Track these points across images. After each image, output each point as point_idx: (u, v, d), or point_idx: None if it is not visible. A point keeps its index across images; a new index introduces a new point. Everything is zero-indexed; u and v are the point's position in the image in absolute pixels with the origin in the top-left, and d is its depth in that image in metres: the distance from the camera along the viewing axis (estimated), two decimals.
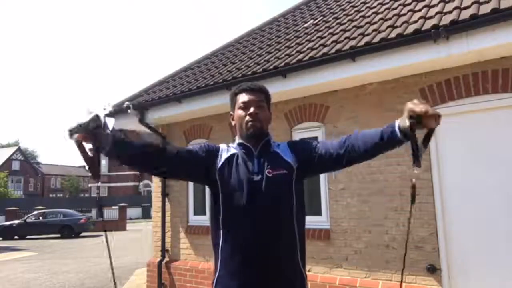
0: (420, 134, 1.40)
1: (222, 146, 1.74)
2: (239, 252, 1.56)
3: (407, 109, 1.37)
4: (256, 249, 1.55)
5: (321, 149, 1.64)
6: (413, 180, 1.43)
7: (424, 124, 1.35)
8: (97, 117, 1.34)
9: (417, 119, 1.35)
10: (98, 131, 1.34)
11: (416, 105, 1.35)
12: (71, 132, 1.32)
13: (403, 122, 1.39)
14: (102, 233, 1.67)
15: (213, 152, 1.69)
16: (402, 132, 1.40)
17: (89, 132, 1.32)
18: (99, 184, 1.44)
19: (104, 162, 42.81)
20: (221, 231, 1.61)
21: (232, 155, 1.68)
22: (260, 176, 1.61)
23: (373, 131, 1.52)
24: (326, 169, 1.74)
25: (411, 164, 1.40)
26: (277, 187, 1.60)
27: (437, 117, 1.33)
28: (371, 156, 1.59)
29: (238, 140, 1.74)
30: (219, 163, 1.65)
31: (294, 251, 1.62)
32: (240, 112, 1.70)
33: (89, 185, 44.58)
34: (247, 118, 1.67)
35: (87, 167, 1.38)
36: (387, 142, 1.46)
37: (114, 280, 1.79)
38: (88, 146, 1.36)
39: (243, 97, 1.71)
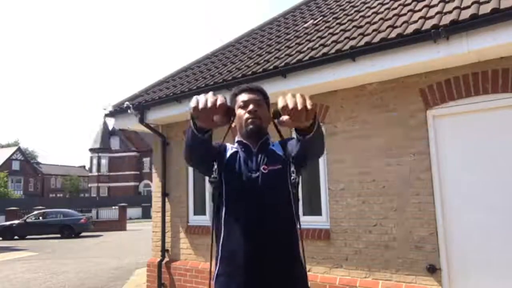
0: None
1: (227, 144, 1.79)
2: (239, 249, 1.58)
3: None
4: (255, 247, 1.57)
5: (293, 145, 1.64)
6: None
7: (281, 121, 1.29)
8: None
9: (275, 115, 1.32)
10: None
11: (282, 100, 1.27)
12: (208, 112, 1.32)
13: None
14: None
15: (222, 148, 1.74)
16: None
17: (223, 116, 1.38)
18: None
19: (104, 162, 42.90)
20: (222, 227, 1.64)
21: (235, 152, 1.73)
22: (258, 173, 1.65)
23: None
24: (301, 164, 1.68)
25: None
26: (273, 183, 1.63)
27: (303, 111, 1.24)
28: (309, 150, 1.53)
29: (237, 139, 1.78)
30: (225, 160, 1.70)
31: (295, 246, 1.65)
32: (240, 111, 1.74)
33: (89, 185, 44.55)
34: (247, 115, 1.70)
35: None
36: (299, 139, 1.45)
37: None
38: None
39: (243, 97, 1.75)
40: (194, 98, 1.35)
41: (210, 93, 1.36)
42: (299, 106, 1.24)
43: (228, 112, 1.40)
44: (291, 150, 1.65)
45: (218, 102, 1.32)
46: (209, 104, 1.31)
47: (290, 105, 1.23)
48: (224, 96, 1.37)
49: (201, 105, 1.32)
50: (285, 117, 1.26)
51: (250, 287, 1.56)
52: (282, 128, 1.55)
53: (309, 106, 1.25)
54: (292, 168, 1.65)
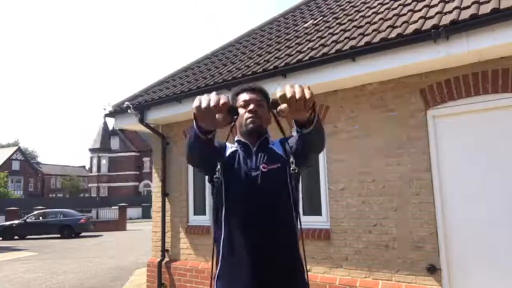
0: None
1: (227, 143, 1.78)
2: (240, 248, 1.58)
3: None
4: (255, 246, 1.57)
5: (292, 144, 1.64)
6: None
7: (280, 110, 1.28)
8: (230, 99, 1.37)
9: (272, 105, 1.32)
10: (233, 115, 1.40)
11: (280, 89, 1.27)
12: (211, 110, 1.31)
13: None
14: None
15: (222, 148, 1.73)
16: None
17: (226, 115, 1.35)
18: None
19: (104, 162, 42.90)
20: (222, 227, 1.63)
21: (234, 151, 1.73)
22: (257, 172, 1.64)
23: None
24: (302, 162, 1.67)
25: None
26: (272, 182, 1.63)
27: (302, 101, 1.23)
28: (309, 145, 1.53)
29: (237, 138, 1.79)
30: (224, 160, 1.69)
31: (294, 245, 1.65)
32: (240, 110, 1.73)
33: (89, 185, 44.55)
34: (247, 115, 1.71)
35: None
36: (299, 133, 1.45)
37: None
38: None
39: (243, 96, 1.76)
40: (197, 99, 1.34)
41: (213, 93, 1.35)
42: (298, 95, 1.23)
43: (231, 111, 1.38)
44: (291, 147, 1.64)
45: (221, 101, 1.31)
46: (212, 104, 1.31)
47: (288, 94, 1.23)
48: (227, 96, 1.37)
49: (204, 105, 1.31)
50: (283, 106, 1.25)
51: (250, 286, 1.56)
52: (282, 121, 1.54)
53: (307, 95, 1.24)
54: (293, 166, 1.62)
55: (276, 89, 1.30)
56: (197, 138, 1.45)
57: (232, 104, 1.37)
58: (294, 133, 1.53)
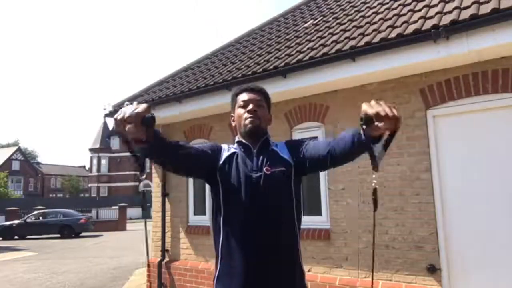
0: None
1: (224, 145, 1.77)
2: (240, 251, 1.57)
3: (361, 111, 1.30)
4: (256, 248, 1.56)
5: (310, 149, 1.64)
6: (373, 184, 1.38)
7: (374, 128, 1.27)
8: (149, 108, 1.27)
9: (367, 121, 1.28)
10: (151, 123, 1.28)
11: (369, 106, 1.28)
12: (123, 121, 1.23)
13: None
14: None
15: (216, 151, 1.71)
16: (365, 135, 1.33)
17: (143, 123, 1.25)
18: (145, 181, 1.33)
19: (104, 162, 42.90)
20: (221, 229, 1.63)
21: (232, 153, 1.70)
22: (259, 173, 1.62)
23: (350, 132, 1.46)
24: (316, 169, 1.71)
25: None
26: (276, 184, 1.62)
27: (392, 120, 1.25)
28: (351, 159, 1.53)
29: (237, 139, 1.77)
30: (220, 162, 1.67)
31: (294, 248, 1.65)
32: (240, 111, 1.73)
33: (89, 185, 44.54)
34: (246, 115, 1.70)
35: (134, 160, 1.31)
36: (358, 147, 1.39)
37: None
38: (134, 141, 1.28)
39: (243, 96, 1.75)
40: (121, 109, 1.28)
41: (135, 103, 1.28)
42: (390, 113, 1.25)
43: (144, 122, 1.25)
44: (313, 153, 1.61)
45: (135, 111, 1.24)
46: (126, 115, 1.24)
47: (383, 113, 1.25)
48: (149, 106, 1.28)
49: (119, 116, 1.26)
50: (380, 124, 1.26)
51: (254, 287, 1.55)
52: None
53: (396, 113, 1.27)
54: (301, 171, 1.65)
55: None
56: (129, 151, 1.34)
57: (147, 115, 1.25)
58: (304, 140, 1.54)
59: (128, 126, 1.24)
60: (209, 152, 1.66)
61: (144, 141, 1.28)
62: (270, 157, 1.67)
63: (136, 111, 1.24)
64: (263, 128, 1.72)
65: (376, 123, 1.26)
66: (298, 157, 1.66)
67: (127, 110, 1.25)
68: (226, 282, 1.60)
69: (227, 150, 1.73)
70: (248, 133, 1.70)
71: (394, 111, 1.26)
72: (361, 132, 1.34)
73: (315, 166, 1.64)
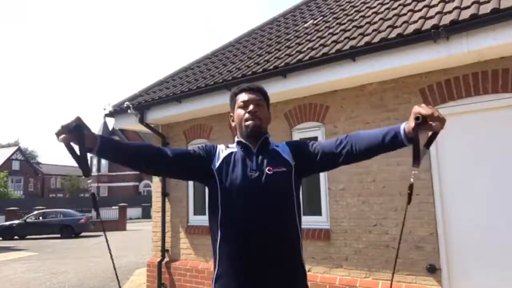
0: (423, 137, 1.43)
1: (220, 146, 1.76)
2: (238, 251, 1.56)
3: (414, 111, 1.39)
4: (255, 248, 1.55)
5: (318, 148, 1.65)
6: (412, 179, 1.45)
7: (428, 126, 1.37)
8: (78, 118, 1.43)
9: (422, 121, 1.37)
10: (79, 130, 1.41)
11: (423, 108, 1.37)
12: (58, 134, 1.41)
13: (408, 124, 1.42)
14: (102, 233, 1.69)
15: (211, 152, 1.71)
16: (406, 135, 1.42)
17: (71, 131, 1.40)
18: (94, 185, 1.50)
19: (104, 162, 42.86)
20: (219, 229, 1.62)
21: (230, 153, 1.70)
22: (258, 173, 1.62)
23: (374, 132, 1.54)
24: (324, 168, 1.78)
25: (411, 164, 1.41)
26: (277, 185, 1.62)
27: (442, 121, 1.36)
28: (369, 157, 1.62)
29: (237, 139, 1.76)
30: (217, 162, 1.67)
31: (295, 248, 1.64)
32: (239, 111, 1.73)
33: (89, 185, 44.54)
34: (246, 116, 1.69)
35: (77, 165, 1.46)
36: (388, 144, 1.48)
37: (117, 278, 1.85)
38: (76, 146, 1.45)
39: (242, 97, 1.74)
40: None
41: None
42: (440, 115, 1.35)
43: (71, 129, 1.41)
44: (321, 152, 1.64)
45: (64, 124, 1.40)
46: (59, 128, 1.40)
47: (436, 114, 1.34)
48: (77, 117, 1.44)
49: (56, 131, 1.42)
50: (435, 123, 1.36)
51: (255, 286, 1.55)
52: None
53: (443, 116, 1.37)
54: (303, 172, 1.69)
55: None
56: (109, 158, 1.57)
57: (69, 126, 1.41)
58: (309, 141, 1.60)
59: (60, 137, 1.41)
60: (200, 155, 1.68)
61: (87, 147, 1.45)
62: (272, 157, 1.67)
63: (63, 124, 1.41)
64: (263, 128, 1.72)
65: (430, 123, 1.36)
66: (303, 157, 1.67)
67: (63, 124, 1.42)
68: (225, 282, 1.59)
69: (223, 150, 1.73)
70: (249, 134, 1.69)
71: (441, 113, 1.37)
72: (402, 132, 1.43)
73: (323, 165, 1.68)
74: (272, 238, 1.56)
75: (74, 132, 1.41)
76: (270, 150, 1.71)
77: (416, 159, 1.41)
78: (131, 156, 1.57)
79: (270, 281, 1.55)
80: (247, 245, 1.55)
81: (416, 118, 1.38)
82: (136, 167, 1.68)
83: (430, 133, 1.41)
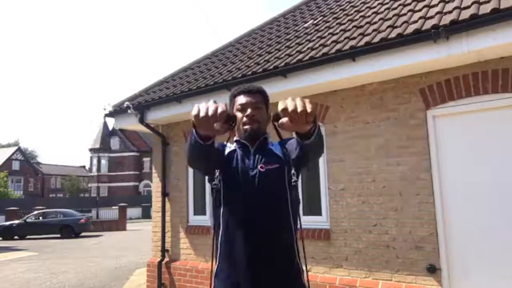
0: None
1: (226, 143, 1.80)
2: (238, 247, 1.59)
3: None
4: (253, 244, 1.58)
5: (295, 146, 1.65)
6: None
7: (281, 124, 1.30)
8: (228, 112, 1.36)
9: (274, 117, 1.32)
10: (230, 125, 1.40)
11: (282, 103, 1.27)
12: (213, 116, 1.31)
13: None
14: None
15: (222, 148, 1.76)
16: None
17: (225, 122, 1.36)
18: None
19: (104, 162, 42.88)
20: (220, 225, 1.65)
21: (232, 151, 1.74)
22: (255, 171, 1.66)
23: None
24: (302, 163, 1.71)
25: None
26: (270, 182, 1.64)
27: (299, 114, 1.23)
28: (310, 153, 1.58)
29: (236, 138, 1.80)
30: (223, 159, 1.71)
31: (288, 247, 1.66)
32: (238, 114, 1.75)
33: (89, 185, 44.53)
34: (244, 119, 1.72)
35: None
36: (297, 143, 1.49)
37: None
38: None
39: (241, 99, 1.76)
40: (196, 107, 1.34)
41: (211, 102, 1.35)
42: (299, 109, 1.24)
43: (228, 119, 1.38)
44: (291, 150, 1.68)
45: (219, 110, 1.31)
46: (210, 112, 1.30)
47: (290, 108, 1.23)
48: (226, 103, 1.37)
49: (202, 113, 1.31)
50: (285, 119, 1.27)
51: (248, 285, 1.57)
52: (283, 131, 1.54)
53: (308, 109, 1.25)
54: (293, 170, 1.67)
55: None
56: (196, 145, 1.45)
57: (229, 113, 1.37)
58: (294, 136, 1.55)
59: (215, 124, 1.33)
60: (220, 149, 1.73)
61: (212, 136, 1.41)
62: (266, 155, 1.71)
63: (220, 110, 1.31)
64: (262, 131, 1.75)
65: (281, 120, 1.29)
66: (290, 153, 1.70)
67: (210, 108, 1.32)
68: (224, 277, 1.63)
69: (228, 146, 1.78)
70: (247, 137, 1.73)
71: (307, 105, 1.25)
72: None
73: (300, 161, 1.67)
74: (265, 237, 1.59)
75: (229, 121, 1.38)
76: (267, 149, 1.75)
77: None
78: (213, 153, 1.57)
79: (264, 279, 1.57)
80: (245, 242, 1.58)
81: (274, 116, 1.32)
82: (198, 162, 1.67)
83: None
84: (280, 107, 1.26)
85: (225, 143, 1.79)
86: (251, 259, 1.57)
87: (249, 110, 1.71)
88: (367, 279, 4.02)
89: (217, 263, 1.66)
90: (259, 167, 1.66)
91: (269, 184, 1.64)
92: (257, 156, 1.70)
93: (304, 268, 1.70)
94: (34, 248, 14.41)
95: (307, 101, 1.27)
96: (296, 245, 1.68)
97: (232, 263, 1.60)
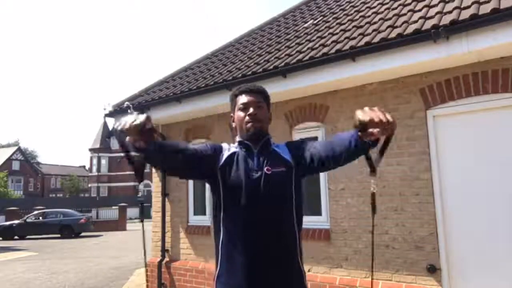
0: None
1: (224, 145, 1.77)
2: (240, 250, 1.58)
3: (355, 117, 1.32)
4: (256, 247, 1.56)
5: (311, 150, 1.63)
6: (372, 188, 1.39)
7: (371, 133, 1.29)
8: (148, 118, 1.33)
9: (362, 127, 1.29)
10: (150, 134, 1.35)
11: (364, 112, 1.29)
12: (122, 131, 1.31)
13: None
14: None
15: (218, 151, 1.71)
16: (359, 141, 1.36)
17: (142, 133, 1.31)
18: (141, 187, 1.39)
19: (104, 162, 42.89)
20: (221, 228, 1.64)
21: (233, 153, 1.71)
22: (259, 173, 1.63)
23: (344, 136, 1.46)
24: (316, 170, 1.70)
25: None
26: (276, 185, 1.62)
27: (386, 125, 1.27)
28: (349, 161, 1.52)
29: (238, 139, 1.77)
30: (221, 162, 1.68)
31: (293, 248, 1.65)
32: (240, 114, 1.74)
33: (89, 185, 44.53)
34: (247, 118, 1.71)
35: (134, 172, 1.38)
36: (354, 150, 1.41)
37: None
38: (134, 148, 1.35)
39: (242, 99, 1.75)
40: (120, 120, 1.35)
41: (128, 116, 1.35)
42: (384, 119, 1.27)
43: (143, 132, 1.32)
44: (300, 155, 1.64)
45: (126, 126, 1.31)
46: (119, 128, 1.33)
47: (377, 119, 1.27)
48: (147, 116, 1.34)
49: (119, 127, 1.33)
50: (376, 130, 1.28)
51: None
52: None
53: (390, 119, 1.28)
54: (300, 174, 1.66)
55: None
56: (139, 153, 1.41)
57: (144, 127, 1.31)
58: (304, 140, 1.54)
59: (127, 137, 1.33)
60: (210, 153, 1.67)
61: (141, 148, 1.35)
62: (271, 157, 1.68)
63: (134, 123, 1.30)
64: (264, 130, 1.73)
65: (370, 130, 1.28)
66: (299, 157, 1.66)
67: (128, 121, 1.32)
68: (226, 281, 1.61)
69: (227, 149, 1.73)
70: (250, 137, 1.71)
71: (388, 116, 1.28)
72: (357, 137, 1.36)
73: (316, 167, 1.64)
74: (269, 239, 1.57)
75: (145, 136, 1.31)
76: (271, 150, 1.72)
77: (370, 167, 1.34)
78: (170, 161, 1.53)
79: (268, 281, 1.56)
80: (246, 244, 1.57)
81: (354, 126, 1.30)
82: (166, 171, 1.67)
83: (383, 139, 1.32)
84: (365, 118, 1.27)
85: (223, 145, 1.75)
86: (253, 262, 1.55)
87: (251, 109, 1.70)
88: (367, 279, 4.02)
89: (218, 266, 1.65)
90: (264, 169, 1.63)
91: (275, 187, 1.61)
92: (261, 158, 1.67)
93: (305, 270, 1.70)
94: (34, 248, 14.42)
95: (385, 112, 1.31)
96: (298, 249, 1.67)
97: (234, 266, 1.58)
